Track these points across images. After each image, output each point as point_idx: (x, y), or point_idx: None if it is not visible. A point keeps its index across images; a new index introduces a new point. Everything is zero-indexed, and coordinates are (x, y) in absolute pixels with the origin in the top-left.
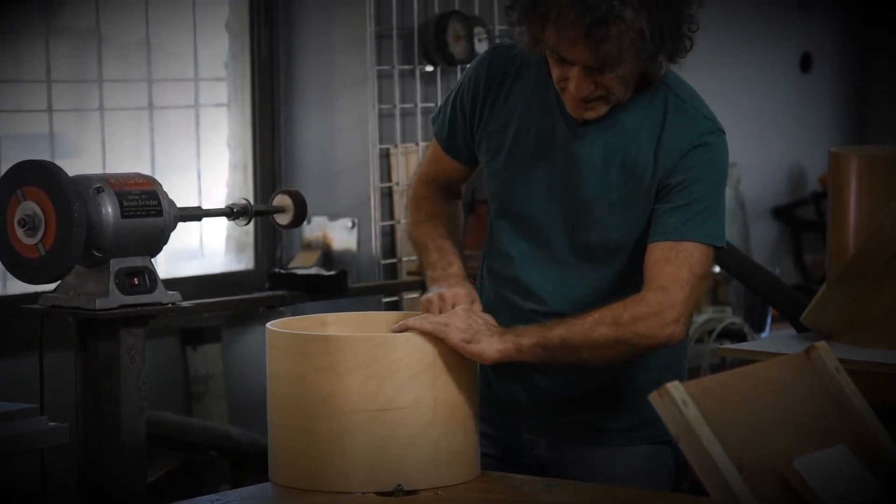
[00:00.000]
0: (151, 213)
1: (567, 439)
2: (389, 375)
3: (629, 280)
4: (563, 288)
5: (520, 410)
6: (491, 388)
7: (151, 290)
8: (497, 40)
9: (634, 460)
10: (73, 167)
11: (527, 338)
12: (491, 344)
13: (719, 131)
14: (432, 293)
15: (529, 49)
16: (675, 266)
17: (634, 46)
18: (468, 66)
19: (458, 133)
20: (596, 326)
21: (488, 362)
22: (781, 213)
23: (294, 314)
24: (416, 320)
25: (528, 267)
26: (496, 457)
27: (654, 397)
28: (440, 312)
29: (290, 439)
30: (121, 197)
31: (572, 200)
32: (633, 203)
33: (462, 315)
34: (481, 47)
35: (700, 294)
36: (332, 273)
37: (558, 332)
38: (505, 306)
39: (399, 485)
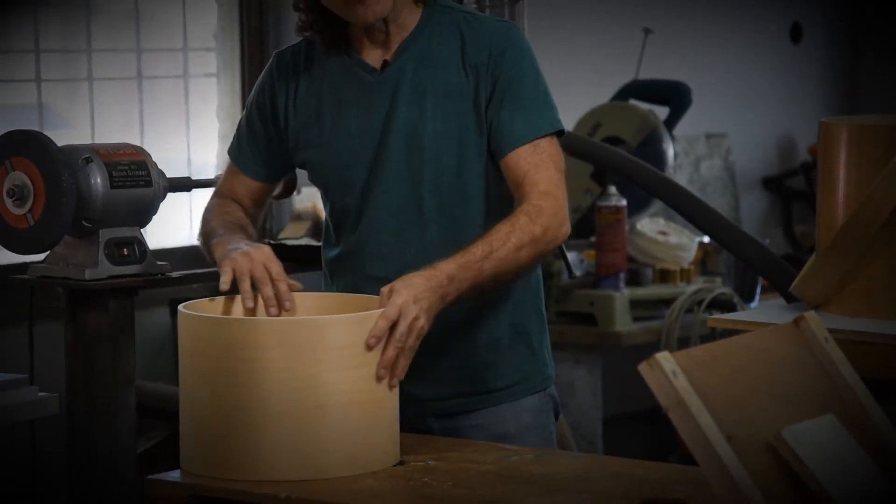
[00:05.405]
0: (140, 183)
1: (454, 406)
2: (307, 361)
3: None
4: (424, 242)
5: (401, 385)
6: None
7: (141, 260)
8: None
9: (523, 415)
10: (62, 137)
11: (464, 283)
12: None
13: (515, 28)
14: (236, 253)
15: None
16: (546, 169)
17: None
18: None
19: (260, 145)
20: (518, 251)
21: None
22: (771, 184)
23: None
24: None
25: (387, 236)
26: None
27: (643, 368)
28: (249, 269)
29: (204, 427)
30: (110, 167)
31: (404, 144)
32: (459, 125)
33: (412, 314)
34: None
35: None
36: (321, 244)
37: (489, 267)
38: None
39: None
